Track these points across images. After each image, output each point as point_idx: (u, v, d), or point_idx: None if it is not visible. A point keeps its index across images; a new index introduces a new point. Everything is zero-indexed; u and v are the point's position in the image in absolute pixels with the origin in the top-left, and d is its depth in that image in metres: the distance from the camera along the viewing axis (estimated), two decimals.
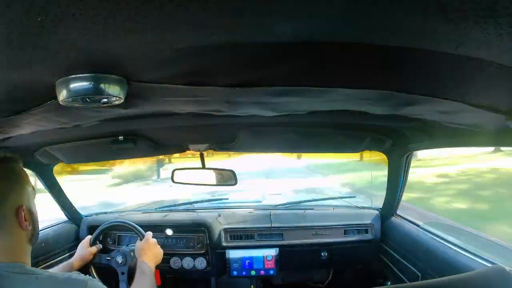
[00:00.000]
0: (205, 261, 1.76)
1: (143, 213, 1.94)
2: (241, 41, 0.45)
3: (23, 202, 0.71)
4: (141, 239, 1.44)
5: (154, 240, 1.40)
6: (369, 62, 0.53)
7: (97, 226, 1.65)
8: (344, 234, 1.78)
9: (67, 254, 1.74)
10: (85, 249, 1.51)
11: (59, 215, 1.84)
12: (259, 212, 1.87)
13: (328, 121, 1.14)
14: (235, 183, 1.59)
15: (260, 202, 2.15)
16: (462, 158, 9.35)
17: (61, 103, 0.60)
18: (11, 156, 0.75)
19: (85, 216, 1.92)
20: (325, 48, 0.48)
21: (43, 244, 1.59)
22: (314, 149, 1.62)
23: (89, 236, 1.60)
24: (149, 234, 1.43)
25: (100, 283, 0.74)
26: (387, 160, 1.58)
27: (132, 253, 1.49)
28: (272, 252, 1.73)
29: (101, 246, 1.60)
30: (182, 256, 1.77)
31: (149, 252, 1.30)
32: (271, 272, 1.74)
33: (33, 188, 0.77)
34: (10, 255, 0.67)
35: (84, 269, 1.52)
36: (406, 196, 1.65)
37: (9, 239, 0.68)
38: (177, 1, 0.34)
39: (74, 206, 1.86)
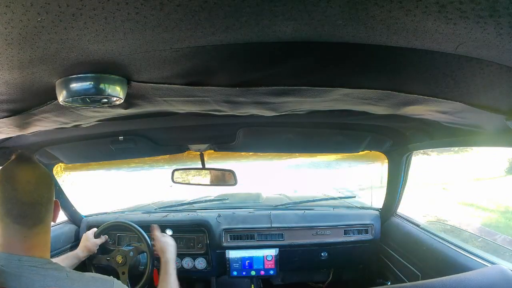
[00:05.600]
0: (205, 261, 1.76)
1: (143, 213, 1.94)
2: (241, 41, 0.45)
3: (55, 197, 0.74)
4: (146, 243, 1.43)
5: (171, 238, 1.40)
6: (369, 62, 0.53)
7: (97, 226, 1.65)
8: (344, 234, 1.78)
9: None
10: (90, 240, 1.52)
11: None
12: (259, 212, 1.87)
13: (328, 121, 1.14)
14: (235, 183, 1.59)
15: (260, 202, 2.15)
16: None
17: (61, 103, 0.60)
18: (31, 155, 0.76)
19: (85, 216, 1.92)
20: (326, 48, 0.48)
21: None
22: (314, 149, 1.62)
23: (94, 229, 1.60)
24: (167, 235, 1.44)
25: (121, 283, 0.75)
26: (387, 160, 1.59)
27: (131, 253, 1.49)
28: (272, 252, 1.73)
29: (107, 237, 1.62)
30: (182, 256, 1.77)
31: (170, 252, 1.31)
32: (271, 272, 1.74)
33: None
34: (43, 250, 0.69)
35: (85, 264, 1.53)
36: None
37: (49, 233, 0.71)
38: (177, 1, 0.34)
39: (74, 206, 1.86)
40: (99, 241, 1.56)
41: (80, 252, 1.46)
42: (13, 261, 0.63)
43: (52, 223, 0.76)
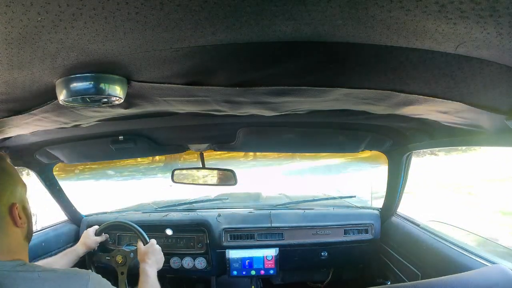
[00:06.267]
0: (205, 261, 1.76)
1: (143, 213, 1.94)
2: (241, 41, 0.45)
3: (16, 199, 0.70)
4: (144, 243, 1.43)
5: (159, 246, 1.40)
6: (369, 62, 0.53)
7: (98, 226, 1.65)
8: (344, 234, 1.78)
9: None
10: (90, 237, 1.52)
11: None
12: (259, 212, 1.87)
13: (328, 121, 1.14)
14: (235, 183, 1.59)
15: (260, 202, 2.15)
16: None
17: (61, 103, 0.60)
18: None
19: (85, 216, 1.92)
20: (326, 48, 0.48)
21: (43, 244, 1.59)
22: (314, 149, 1.62)
23: (95, 226, 1.59)
24: (154, 240, 1.42)
25: (100, 276, 0.73)
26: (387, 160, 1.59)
27: (132, 254, 1.49)
28: (272, 252, 1.73)
29: (108, 236, 1.62)
30: (182, 256, 1.77)
31: (152, 257, 1.30)
32: (271, 272, 1.74)
33: (24, 184, 0.76)
34: (9, 254, 0.67)
35: (85, 262, 1.52)
36: None
37: (6, 238, 0.67)
38: (177, 1, 0.34)
39: (74, 206, 1.86)
40: (100, 239, 1.56)
41: (79, 249, 1.46)
42: None
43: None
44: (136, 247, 1.49)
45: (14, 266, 0.64)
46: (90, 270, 0.72)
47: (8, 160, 0.75)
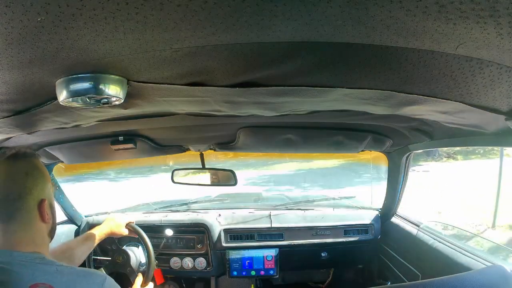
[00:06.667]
0: (205, 261, 1.76)
1: (143, 213, 1.94)
2: (241, 41, 0.45)
3: (45, 196, 0.73)
4: (144, 283, 1.33)
5: None
6: (369, 62, 0.53)
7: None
8: (344, 234, 1.78)
9: None
10: (121, 227, 1.37)
11: None
12: (259, 212, 1.87)
13: (328, 121, 1.14)
14: (235, 183, 1.59)
15: (260, 202, 2.15)
16: None
17: (61, 103, 0.60)
18: (31, 151, 0.76)
19: (85, 216, 1.92)
20: (325, 48, 0.48)
21: None
22: (314, 149, 1.62)
23: (131, 219, 1.42)
24: (151, 285, 1.34)
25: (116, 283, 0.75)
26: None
27: (128, 270, 1.45)
28: (272, 252, 1.73)
29: (135, 233, 1.44)
30: (182, 256, 1.77)
31: None
32: (271, 272, 1.74)
33: (52, 183, 0.79)
34: (31, 246, 0.69)
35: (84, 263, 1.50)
36: None
37: (32, 231, 0.70)
38: (177, 1, 0.34)
39: (74, 206, 1.86)
40: (127, 232, 1.40)
41: (101, 233, 1.30)
42: (5, 256, 0.64)
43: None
44: (136, 247, 1.49)
45: (33, 258, 0.66)
46: (106, 274, 0.74)
47: (39, 159, 0.78)
